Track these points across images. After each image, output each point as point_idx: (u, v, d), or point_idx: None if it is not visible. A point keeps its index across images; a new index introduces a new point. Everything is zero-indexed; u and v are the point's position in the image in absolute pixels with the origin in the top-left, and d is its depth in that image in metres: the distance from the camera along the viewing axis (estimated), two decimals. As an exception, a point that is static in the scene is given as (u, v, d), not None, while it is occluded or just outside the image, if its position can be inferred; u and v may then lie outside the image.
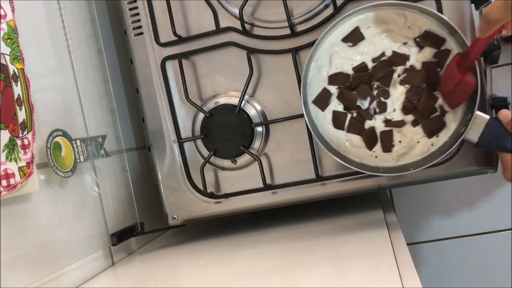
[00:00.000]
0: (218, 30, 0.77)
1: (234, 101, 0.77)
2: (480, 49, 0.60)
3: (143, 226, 0.86)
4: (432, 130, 0.66)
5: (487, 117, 0.63)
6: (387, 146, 0.68)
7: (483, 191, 1.16)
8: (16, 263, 0.60)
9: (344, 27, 0.68)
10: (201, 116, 0.78)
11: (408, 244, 0.60)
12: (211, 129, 0.77)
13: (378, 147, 0.69)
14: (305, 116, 0.68)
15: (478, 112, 0.63)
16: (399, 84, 0.67)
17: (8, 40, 0.62)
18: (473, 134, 0.63)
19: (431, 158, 0.66)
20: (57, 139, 0.68)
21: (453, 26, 0.63)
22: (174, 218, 0.81)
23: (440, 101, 0.66)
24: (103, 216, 0.79)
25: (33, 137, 0.63)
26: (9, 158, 0.58)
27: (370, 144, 0.68)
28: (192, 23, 0.78)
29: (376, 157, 0.69)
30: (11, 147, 0.59)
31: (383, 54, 0.67)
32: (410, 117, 0.67)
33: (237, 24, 0.76)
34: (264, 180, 0.76)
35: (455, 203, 1.18)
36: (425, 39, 0.66)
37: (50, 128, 0.68)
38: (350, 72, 0.68)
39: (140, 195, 0.91)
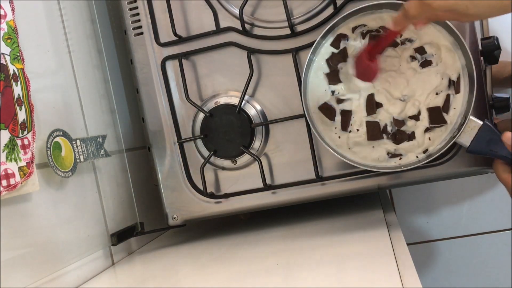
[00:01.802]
0: (218, 30, 0.77)
1: (234, 101, 0.77)
2: (389, 41, 0.65)
3: (143, 226, 0.86)
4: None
5: (480, 122, 0.63)
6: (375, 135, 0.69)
7: (483, 191, 1.16)
8: (16, 263, 0.60)
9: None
10: (201, 116, 0.78)
11: (408, 244, 0.60)
12: (211, 129, 0.77)
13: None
14: (306, 115, 0.68)
15: (471, 117, 0.64)
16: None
17: (8, 40, 0.62)
18: (466, 138, 0.64)
19: (423, 159, 0.67)
20: (57, 139, 0.68)
21: (457, 35, 0.64)
22: (174, 218, 0.81)
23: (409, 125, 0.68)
24: (103, 216, 0.79)
25: (33, 137, 0.63)
26: (9, 158, 0.58)
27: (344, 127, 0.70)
28: (192, 23, 0.78)
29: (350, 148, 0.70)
30: (11, 147, 0.59)
31: None
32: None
33: (237, 24, 0.76)
34: (264, 180, 0.76)
35: (455, 203, 1.18)
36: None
37: (50, 128, 0.68)
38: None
39: (140, 195, 0.91)
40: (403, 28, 0.61)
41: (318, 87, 0.70)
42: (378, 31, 0.68)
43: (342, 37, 0.69)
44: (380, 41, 0.65)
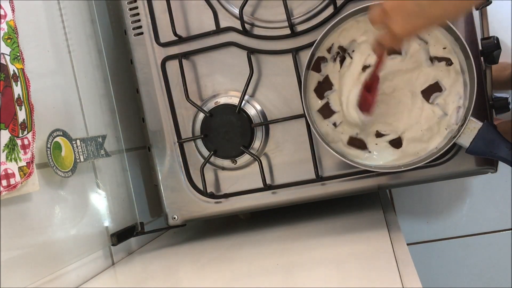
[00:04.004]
0: (218, 30, 0.77)
1: (234, 101, 0.77)
2: (378, 69, 0.63)
3: (143, 226, 0.86)
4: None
5: (480, 123, 0.63)
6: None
7: (483, 191, 1.16)
8: (16, 263, 0.60)
9: None
10: (201, 116, 0.78)
11: (408, 244, 0.60)
12: (211, 129, 0.77)
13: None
14: (306, 115, 0.68)
15: (472, 118, 0.64)
16: None
17: (8, 40, 0.62)
18: (465, 139, 0.64)
19: (423, 159, 0.66)
20: (57, 139, 0.68)
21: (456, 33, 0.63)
22: (174, 218, 0.81)
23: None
24: (103, 216, 0.79)
25: (33, 137, 0.63)
26: (9, 158, 0.58)
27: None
28: (192, 23, 0.78)
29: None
30: (11, 147, 0.59)
31: None
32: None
33: (237, 24, 0.76)
34: (264, 180, 0.76)
35: (455, 203, 1.18)
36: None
37: (50, 128, 0.68)
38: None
39: (140, 195, 0.91)
40: (382, 54, 0.61)
41: (320, 123, 0.70)
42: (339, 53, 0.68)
43: (321, 60, 0.69)
44: (373, 70, 0.64)
